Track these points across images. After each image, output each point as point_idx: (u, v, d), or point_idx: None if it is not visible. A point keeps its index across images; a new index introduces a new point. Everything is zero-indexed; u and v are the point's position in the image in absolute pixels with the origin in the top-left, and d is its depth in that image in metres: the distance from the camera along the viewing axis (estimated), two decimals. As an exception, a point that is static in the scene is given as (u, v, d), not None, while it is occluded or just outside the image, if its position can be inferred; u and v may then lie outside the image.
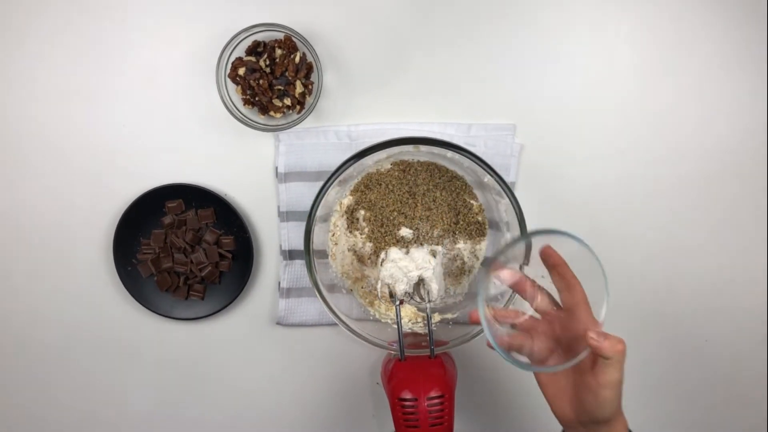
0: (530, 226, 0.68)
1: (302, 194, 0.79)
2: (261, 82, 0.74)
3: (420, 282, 0.72)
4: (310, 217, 0.68)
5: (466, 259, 0.77)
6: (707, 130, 0.78)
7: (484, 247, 0.78)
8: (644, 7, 0.76)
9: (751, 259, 0.80)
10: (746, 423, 0.83)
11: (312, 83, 0.76)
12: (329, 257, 0.78)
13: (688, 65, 0.77)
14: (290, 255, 0.80)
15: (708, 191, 0.79)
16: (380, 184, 0.76)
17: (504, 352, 0.56)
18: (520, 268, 0.62)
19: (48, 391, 0.85)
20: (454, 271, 0.78)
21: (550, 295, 0.61)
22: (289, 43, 0.74)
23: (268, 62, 0.75)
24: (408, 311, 0.76)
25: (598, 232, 0.80)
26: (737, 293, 0.81)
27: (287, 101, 0.75)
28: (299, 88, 0.75)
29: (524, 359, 0.59)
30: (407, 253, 0.73)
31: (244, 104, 0.77)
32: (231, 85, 0.76)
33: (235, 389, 0.84)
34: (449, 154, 0.70)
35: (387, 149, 0.68)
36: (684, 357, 0.83)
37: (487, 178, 0.69)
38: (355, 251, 0.77)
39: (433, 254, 0.74)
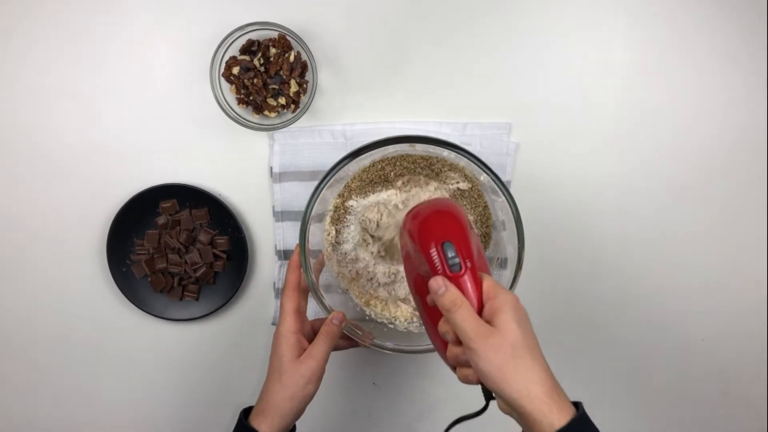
0: (526, 225, 0.68)
1: (297, 194, 0.79)
2: (255, 81, 0.74)
3: None
4: (305, 217, 0.68)
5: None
6: (704, 127, 0.78)
7: (480, 247, 0.78)
8: (639, 5, 0.76)
9: (749, 257, 0.80)
10: (745, 423, 0.83)
11: (307, 82, 0.75)
12: (325, 257, 0.78)
13: (683, 63, 0.77)
14: (285, 255, 0.80)
15: (705, 188, 0.79)
16: (376, 184, 0.76)
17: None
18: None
19: (41, 392, 0.84)
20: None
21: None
22: (284, 42, 0.74)
23: (262, 61, 0.74)
24: (404, 311, 0.76)
25: (594, 230, 0.80)
26: (735, 291, 0.81)
27: (282, 100, 0.75)
28: (294, 87, 0.75)
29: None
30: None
31: (239, 103, 0.76)
32: (225, 84, 0.76)
33: (230, 390, 0.84)
34: (445, 152, 0.70)
35: (382, 148, 0.67)
36: (680, 355, 0.82)
37: (483, 177, 0.68)
38: (351, 251, 0.77)
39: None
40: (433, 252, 0.57)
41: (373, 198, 0.75)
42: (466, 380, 0.56)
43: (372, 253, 0.76)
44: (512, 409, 0.52)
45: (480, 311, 0.55)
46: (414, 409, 0.84)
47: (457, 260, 0.56)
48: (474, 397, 0.57)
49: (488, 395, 0.56)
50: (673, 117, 0.78)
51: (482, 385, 0.55)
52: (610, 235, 0.80)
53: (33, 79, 0.78)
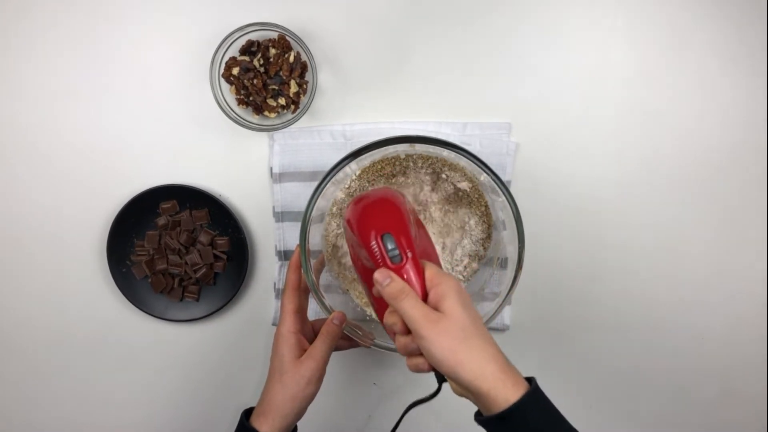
0: (527, 225, 0.68)
1: (297, 194, 0.79)
2: (255, 81, 0.74)
3: None
4: (305, 218, 0.68)
5: (462, 259, 0.77)
6: (704, 127, 0.78)
7: (480, 246, 0.78)
8: (639, 5, 0.76)
9: (750, 257, 0.80)
10: (745, 422, 0.83)
11: (306, 82, 0.75)
12: (325, 258, 0.78)
13: (684, 63, 0.77)
14: (285, 255, 0.80)
15: (705, 189, 0.79)
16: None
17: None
18: None
19: (41, 393, 0.84)
20: (451, 271, 0.77)
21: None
22: (283, 43, 0.74)
23: (262, 62, 0.74)
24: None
25: (594, 229, 0.80)
26: (735, 290, 0.81)
27: (282, 101, 0.75)
28: (294, 88, 0.75)
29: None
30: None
31: (239, 104, 0.76)
32: (225, 85, 0.76)
33: (230, 391, 0.84)
34: (445, 152, 0.70)
35: (382, 148, 0.67)
36: (680, 354, 0.82)
37: (484, 177, 0.68)
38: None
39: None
40: (374, 244, 0.58)
41: None
42: (416, 369, 0.56)
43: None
44: (468, 390, 0.52)
45: (424, 299, 0.56)
46: (414, 408, 0.84)
47: (397, 252, 0.57)
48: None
49: (441, 378, 0.56)
50: (673, 117, 0.78)
51: (434, 369, 0.56)
52: (610, 234, 0.80)
53: (33, 80, 0.78)
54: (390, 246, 0.58)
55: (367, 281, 0.61)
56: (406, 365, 0.58)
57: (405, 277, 0.57)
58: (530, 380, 0.53)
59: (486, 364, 0.51)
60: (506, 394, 0.50)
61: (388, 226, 0.59)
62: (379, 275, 0.56)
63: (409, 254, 0.58)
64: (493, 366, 0.51)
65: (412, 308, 0.54)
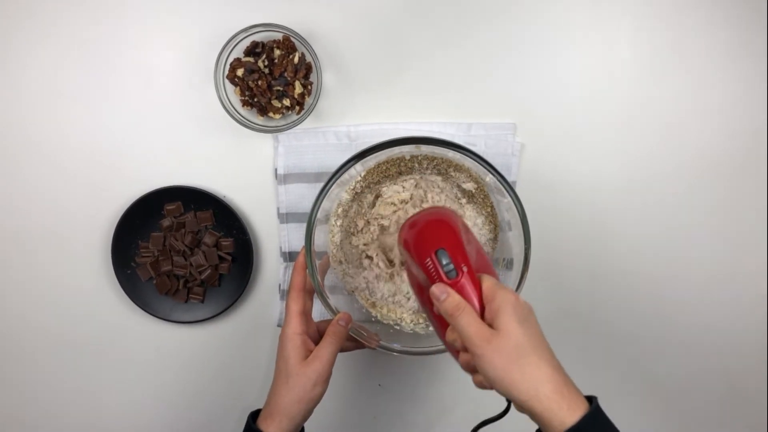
0: (532, 225, 0.67)
1: (302, 196, 0.79)
2: (260, 83, 0.74)
3: None
4: (310, 219, 0.68)
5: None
6: (708, 126, 0.78)
7: (485, 247, 0.78)
8: (644, 6, 0.76)
9: (752, 254, 0.80)
10: (748, 417, 0.83)
11: (311, 83, 0.75)
12: (330, 259, 0.77)
13: (688, 62, 0.77)
14: (290, 257, 0.80)
15: (709, 187, 0.79)
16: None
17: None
18: None
19: (46, 395, 0.84)
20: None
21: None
22: (288, 44, 0.74)
23: (266, 63, 0.74)
24: (410, 311, 0.76)
25: (599, 229, 0.80)
26: (739, 287, 0.81)
27: (286, 102, 0.75)
28: (298, 89, 0.74)
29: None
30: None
31: (243, 105, 0.76)
32: (229, 86, 0.76)
33: (236, 392, 0.83)
34: (450, 153, 0.70)
35: (387, 149, 0.67)
36: (684, 351, 0.82)
37: (489, 178, 0.68)
38: (356, 252, 0.77)
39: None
40: (428, 261, 0.58)
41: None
42: (481, 386, 0.55)
43: (378, 268, 0.75)
44: (523, 411, 0.52)
45: (482, 314, 0.55)
46: (419, 410, 0.84)
47: (451, 266, 0.57)
48: (487, 396, 0.57)
49: None
50: (678, 117, 0.78)
51: None
52: (615, 233, 0.80)
53: (36, 81, 0.78)
54: (444, 261, 0.57)
55: (427, 303, 0.60)
56: (473, 382, 0.56)
57: (462, 292, 0.56)
58: (591, 399, 0.52)
59: (539, 384, 0.50)
60: (562, 416, 0.49)
61: (442, 242, 0.58)
62: (436, 289, 0.56)
63: (465, 269, 0.57)
64: (547, 386, 0.50)
65: (467, 325, 0.53)
